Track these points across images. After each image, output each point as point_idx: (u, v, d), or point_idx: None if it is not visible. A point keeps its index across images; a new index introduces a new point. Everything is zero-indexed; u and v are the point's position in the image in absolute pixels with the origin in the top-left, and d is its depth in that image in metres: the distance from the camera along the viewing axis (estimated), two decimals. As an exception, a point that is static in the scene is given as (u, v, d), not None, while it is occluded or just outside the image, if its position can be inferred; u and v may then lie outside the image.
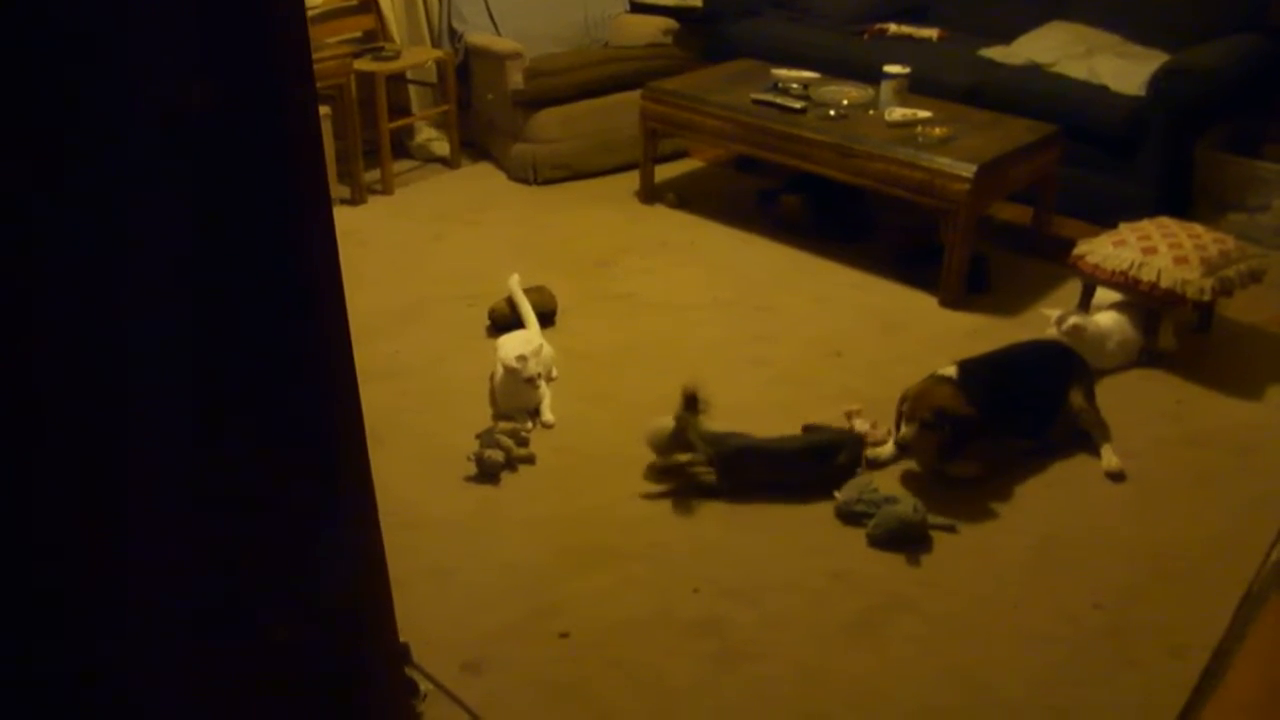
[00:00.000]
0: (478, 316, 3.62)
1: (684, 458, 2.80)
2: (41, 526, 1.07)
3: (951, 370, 2.85)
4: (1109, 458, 2.88)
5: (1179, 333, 3.42)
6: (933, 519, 2.63)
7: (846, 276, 3.98)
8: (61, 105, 0.97)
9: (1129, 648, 2.31)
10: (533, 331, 3.35)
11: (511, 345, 3.10)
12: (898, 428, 2.80)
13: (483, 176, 5.00)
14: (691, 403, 2.78)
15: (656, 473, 2.84)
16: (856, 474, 2.79)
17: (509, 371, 3.02)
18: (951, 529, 2.65)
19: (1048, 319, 3.30)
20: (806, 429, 2.95)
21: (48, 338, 1.02)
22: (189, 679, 1.24)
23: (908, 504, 2.61)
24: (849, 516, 2.66)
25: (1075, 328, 3.22)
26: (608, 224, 4.43)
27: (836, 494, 2.70)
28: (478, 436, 2.90)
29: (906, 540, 2.58)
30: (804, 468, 2.79)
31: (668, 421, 2.78)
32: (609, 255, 4.13)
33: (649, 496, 2.78)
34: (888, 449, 2.91)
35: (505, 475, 2.86)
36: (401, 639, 2.05)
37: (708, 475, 2.77)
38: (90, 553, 1.12)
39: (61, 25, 0.94)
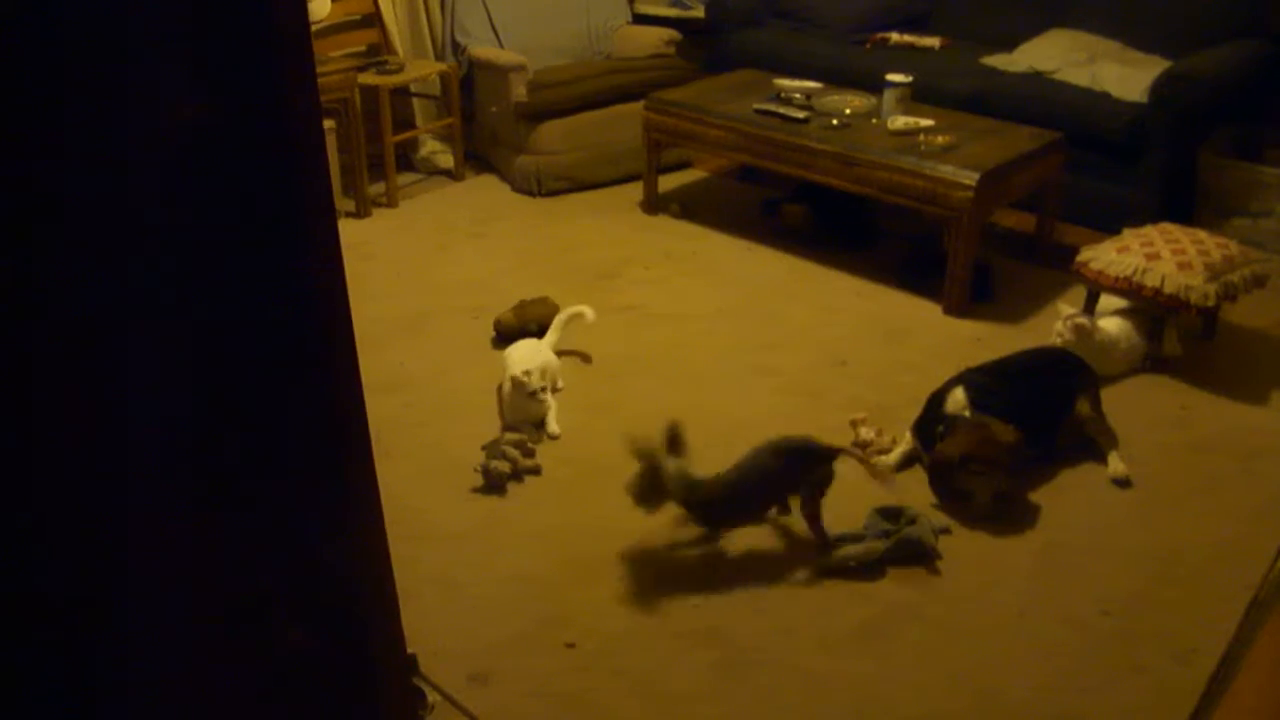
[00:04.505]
0: (483, 328, 3.63)
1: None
2: (41, 534, 1.08)
3: (961, 397, 2.83)
4: (1115, 464, 2.88)
5: (1183, 338, 3.41)
6: (933, 524, 2.63)
7: (850, 285, 3.99)
8: (62, 120, 0.98)
9: (1136, 654, 2.30)
10: (546, 341, 3.34)
11: (518, 357, 3.11)
12: (940, 480, 2.77)
13: (487, 188, 5.02)
14: (674, 443, 2.54)
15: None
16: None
17: (515, 385, 3.03)
18: (946, 530, 2.65)
19: (1060, 313, 3.30)
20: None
21: (47, 349, 1.03)
22: (192, 689, 1.25)
23: (925, 526, 2.60)
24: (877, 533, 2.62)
25: (1078, 326, 3.22)
26: (611, 235, 4.44)
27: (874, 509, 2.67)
28: (484, 448, 2.91)
29: (917, 560, 2.58)
30: (778, 485, 2.60)
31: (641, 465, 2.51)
32: (613, 266, 4.14)
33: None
34: (893, 458, 2.91)
35: (511, 486, 2.86)
36: (409, 650, 2.05)
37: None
38: (91, 561, 1.12)
39: (62, 40, 0.95)
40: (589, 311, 3.42)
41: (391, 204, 4.80)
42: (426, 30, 5.22)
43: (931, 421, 2.85)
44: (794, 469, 2.56)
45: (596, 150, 4.88)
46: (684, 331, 3.67)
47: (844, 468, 2.91)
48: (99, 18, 0.96)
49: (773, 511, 2.67)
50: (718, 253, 4.28)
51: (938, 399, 2.88)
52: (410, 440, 3.05)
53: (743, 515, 2.62)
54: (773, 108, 4.20)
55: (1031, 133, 3.96)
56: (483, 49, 5.01)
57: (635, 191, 4.72)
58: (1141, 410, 3.16)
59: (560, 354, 3.36)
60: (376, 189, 4.80)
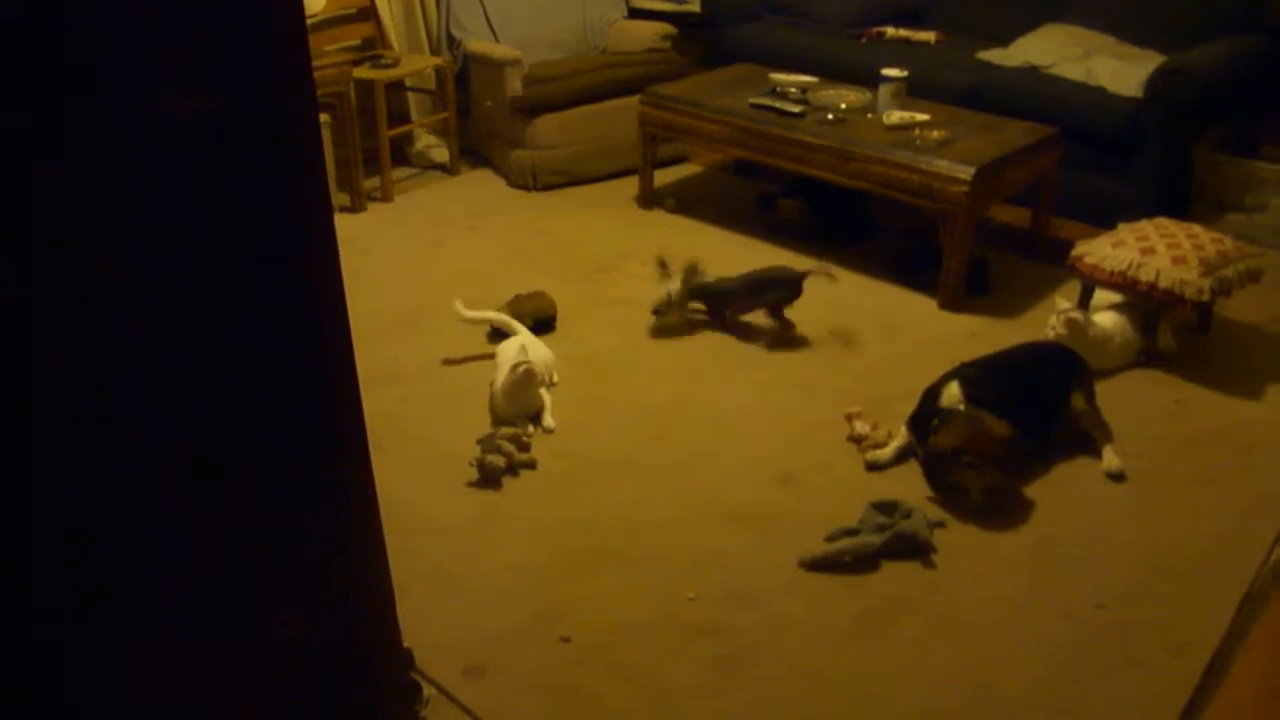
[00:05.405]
0: (478, 322, 3.63)
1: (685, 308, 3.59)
2: (44, 532, 1.08)
3: (956, 391, 2.83)
4: (1110, 458, 2.89)
5: (1178, 333, 3.42)
6: (928, 518, 2.63)
7: (846, 279, 3.97)
8: (63, 115, 0.97)
9: (1131, 647, 2.31)
10: (522, 335, 3.34)
11: (511, 352, 3.11)
12: (934, 473, 2.79)
13: (482, 183, 5.01)
14: (693, 270, 3.54)
15: (658, 318, 3.57)
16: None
17: (518, 378, 3.02)
18: (941, 524, 2.65)
19: (1055, 308, 3.30)
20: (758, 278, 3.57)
21: (49, 344, 1.03)
22: (191, 682, 1.25)
23: (920, 519, 2.60)
24: (874, 528, 2.62)
25: (1073, 321, 3.22)
26: (607, 229, 4.44)
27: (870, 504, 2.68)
28: (479, 442, 2.91)
29: (912, 554, 2.58)
30: (757, 294, 3.54)
31: (668, 287, 3.52)
32: (608, 260, 4.14)
33: (650, 500, 2.78)
34: (888, 452, 2.91)
35: (506, 480, 2.86)
36: (404, 644, 2.06)
37: (700, 316, 3.62)
38: (92, 559, 1.12)
39: (63, 35, 0.95)
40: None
41: (387, 198, 4.79)
42: (422, 24, 5.21)
43: (926, 415, 2.85)
44: (772, 285, 3.55)
45: (592, 145, 4.87)
46: (679, 326, 3.67)
47: (844, 467, 2.93)
48: (100, 17, 0.96)
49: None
50: (713, 247, 4.26)
51: (933, 393, 2.89)
52: (405, 435, 3.05)
53: (737, 306, 3.60)
54: (768, 102, 4.20)
55: (1027, 127, 3.96)
56: (478, 43, 4.99)
57: (631, 186, 4.71)
58: (1136, 404, 3.16)
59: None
60: (371, 183, 4.79)
